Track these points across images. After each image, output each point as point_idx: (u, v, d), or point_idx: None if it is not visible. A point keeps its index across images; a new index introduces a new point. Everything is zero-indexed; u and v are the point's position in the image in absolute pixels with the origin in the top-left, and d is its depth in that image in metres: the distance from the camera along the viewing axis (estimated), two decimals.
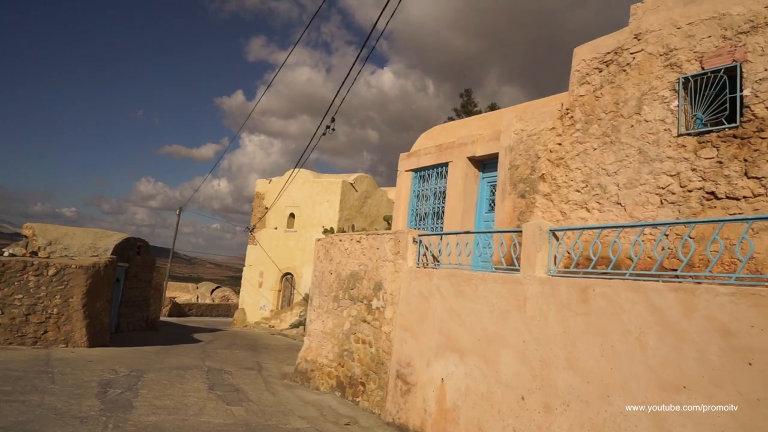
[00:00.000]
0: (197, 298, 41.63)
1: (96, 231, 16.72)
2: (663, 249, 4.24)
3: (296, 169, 17.63)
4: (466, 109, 31.43)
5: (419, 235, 7.33)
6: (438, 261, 7.44)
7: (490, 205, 9.47)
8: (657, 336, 3.78)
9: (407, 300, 7.02)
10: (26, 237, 14.97)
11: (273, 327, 23.20)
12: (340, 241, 9.55)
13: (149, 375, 8.99)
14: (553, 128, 7.48)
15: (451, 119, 32.94)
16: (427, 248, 7.33)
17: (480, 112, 32.11)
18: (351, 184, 26.20)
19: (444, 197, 10.14)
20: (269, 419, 6.72)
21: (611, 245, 4.77)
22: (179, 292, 40.47)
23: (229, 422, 6.40)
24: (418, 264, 7.29)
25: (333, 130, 9.83)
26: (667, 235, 5.75)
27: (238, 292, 47.83)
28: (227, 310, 38.86)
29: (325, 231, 22.78)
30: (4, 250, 12.55)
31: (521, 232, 5.36)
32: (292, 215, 27.10)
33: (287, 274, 26.71)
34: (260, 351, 14.83)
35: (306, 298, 24.70)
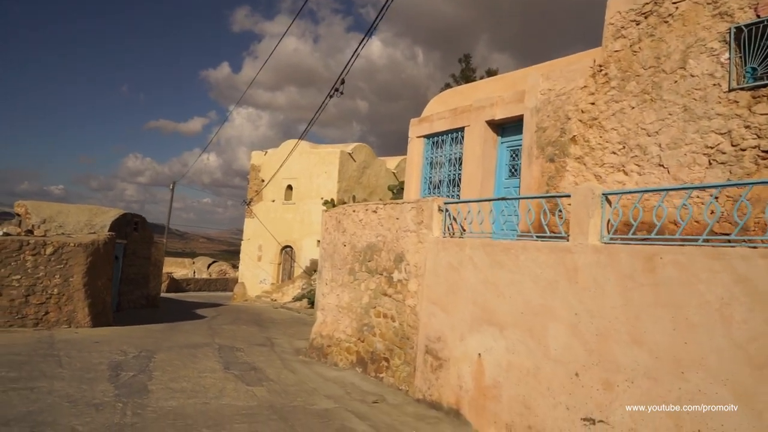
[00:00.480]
0: (194, 272, 41.29)
1: (91, 207, 16.16)
2: (745, 213, 3.87)
3: (297, 141, 17.08)
4: (465, 74, 30.68)
5: (445, 203, 6.92)
6: (464, 230, 7.06)
7: (511, 170, 9.05)
8: (744, 307, 3.43)
9: (435, 272, 6.65)
10: (19, 215, 14.40)
11: (275, 300, 22.93)
12: (354, 211, 9.12)
13: (160, 355, 8.64)
14: (585, 87, 7.02)
15: (448, 86, 32.17)
16: (454, 218, 6.93)
17: (477, 78, 31.33)
18: (349, 154, 25.63)
19: (460, 164, 9.70)
20: (294, 399, 6.41)
21: (679, 209, 4.39)
22: (176, 268, 40.06)
23: (252, 404, 6.08)
24: (444, 234, 6.90)
25: (341, 93, 9.29)
26: (717, 198, 5.39)
27: (234, 266, 47.60)
28: (225, 284, 38.60)
29: (326, 202, 22.31)
30: None
31: (569, 196, 4.96)
32: (289, 187, 26.57)
33: (286, 246, 26.35)
34: (267, 326, 14.54)
35: (307, 271, 24.42)
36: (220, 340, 10.98)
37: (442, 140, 10.27)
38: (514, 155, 9.03)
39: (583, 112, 7.00)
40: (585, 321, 4.52)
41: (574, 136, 7.03)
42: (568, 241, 4.91)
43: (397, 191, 17.34)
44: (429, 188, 10.52)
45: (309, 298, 19.62)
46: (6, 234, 11.43)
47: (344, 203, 22.89)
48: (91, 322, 11.09)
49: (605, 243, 4.60)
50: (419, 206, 7.21)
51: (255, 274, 27.12)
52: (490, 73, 30.50)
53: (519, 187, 8.77)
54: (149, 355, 8.59)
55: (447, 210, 6.92)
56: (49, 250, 10.71)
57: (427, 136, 10.60)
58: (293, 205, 26.26)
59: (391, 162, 28.71)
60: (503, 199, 6.10)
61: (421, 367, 6.65)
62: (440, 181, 10.23)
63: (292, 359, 9.26)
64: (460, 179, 9.65)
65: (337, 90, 9.33)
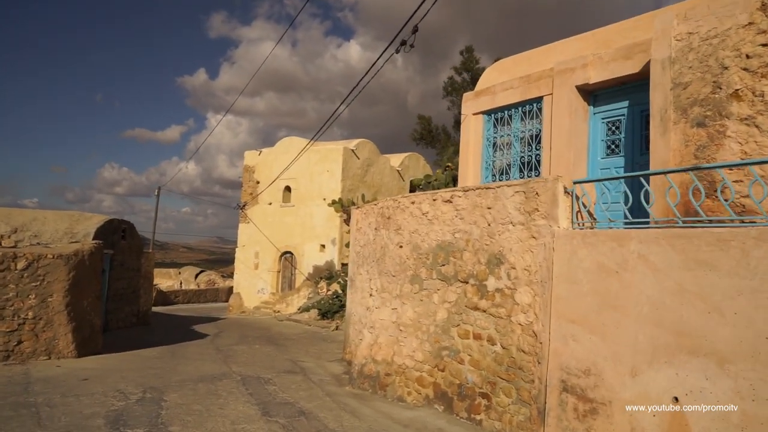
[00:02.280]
0: (181, 284, 38.84)
1: (71, 213, 13.97)
2: None
3: (316, 134, 15.08)
4: (468, 66, 28.98)
5: (575, 183, 5.08)
6: (594, 219, 5.23)
7: (609, 147, 7.26)
8: None
9: (570, 277, 4.79)
10: None
11: (278, 312, 20.85)
12: (413, 203, 7.23)
13: (171, 396, 6.62)
14: (751, 24, 5.24)
15: (451, 80, 30.42)
16: (582, 202, 5.10)
17: (482, 70, 29.65)
18: (352, 150, 23.72)
19: (538, 142, 7.89)
20: None
21: None
22: (161, 279, 37.52)
23: None
24: (574, 225, 5.06)
25: (412, 46, 7.33)
26: None
27: (223, 275, 45.22)
28: (215, 294, 36.29)
29: (334, 202, 20.38)
30: None
31: None
32: (288, 188, 24.53)
33: (286, 252, 24.29)
34: (283, 344, 12.52)
35: (310, 278, 22.42)
36: (238, 367, 8.95)
37: (510, 115, 8.44)
38: (612, 128, 7.24)
39: (749, 57, 5.22)
40: None
41: (737, 90, 5.25)
42: None
43: (424, 186, 15.47)
44: (492, 175, 8.69)
45: (320, 308, 17.63)
46: None
47: (353, 203, 20.97)
48: (77, 351, 8.98)
49: None
50: (530, 189, 5.34)
51: (252, 284, 24.99)
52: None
53: (624, 167, 7.01)
54: (157, 396, 6.56)
55: (574, 192, 5.07)
56: (21, 264, 8.59)
57: (488, 112, 8.77)
58: (292, 208, 24.22)
59: (395, 159, 26.89)
60: (696, 168, 4.26)
61: (556, 411, 4.77)
62: (508, 165, 8.40)
63: (340, 393, 7.30)
64: (538, 161, 7.84)
65: (404, 43, 7.34)
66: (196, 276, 40.16)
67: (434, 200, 6.82)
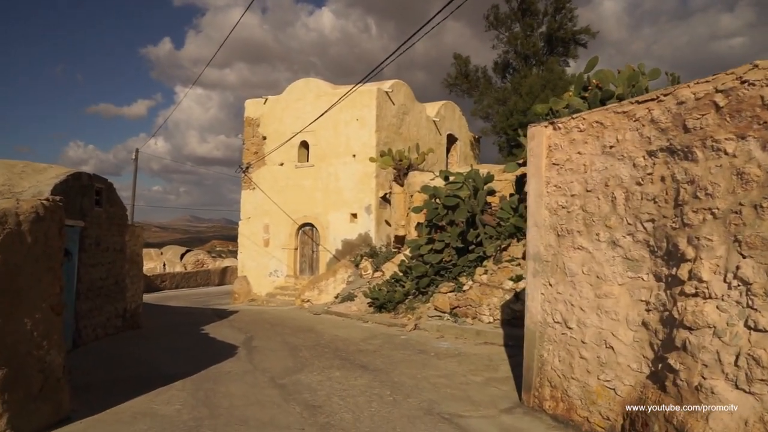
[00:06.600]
0: (164, 265, 33.64)
1: (12, 163, 8.90)
2: None
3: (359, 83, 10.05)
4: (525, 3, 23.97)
5: None
6: None
7: None
8: None
9: None
10: None
11: (308, 302, 16.05)
12: None
13: None
14: None
15: (495, 9, 25.27)
16: None
17: (542, 8, 24.65)
18: (387, 93, 18.71)
19: None
20: None
21: None
22: None
23: None
24: None
25: None
26: None
27: (212, 255, 40.07)
28: (207, 277, 31.29)
29: (383, 154, 15.50)
30: None
31: None
32: (304, 144, 19.49)
33: (305, 225, 19.40)
34: (371, 364, 7.80)
35: (341, 257, 17.63)
36: None
37: None
38: None
39: None
40: None
41: None
42: None
43: (551, 116, 10.67)
44: None
45: (375, 298, 12.91)
46: None
47: (406, 157, 16.14)
48: (10, 424, 4.13)
49: None
50: None
51: (262, 264, 20.07)
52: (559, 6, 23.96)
53: None
54: None
55: None
56: None
57: None
58: (312, 168, 19.22)
59: (430, 108, 22.01)
60: None
61: None
62: None
63: None
64: None
65: None
66: (182, 256, 34.93)
67: None
